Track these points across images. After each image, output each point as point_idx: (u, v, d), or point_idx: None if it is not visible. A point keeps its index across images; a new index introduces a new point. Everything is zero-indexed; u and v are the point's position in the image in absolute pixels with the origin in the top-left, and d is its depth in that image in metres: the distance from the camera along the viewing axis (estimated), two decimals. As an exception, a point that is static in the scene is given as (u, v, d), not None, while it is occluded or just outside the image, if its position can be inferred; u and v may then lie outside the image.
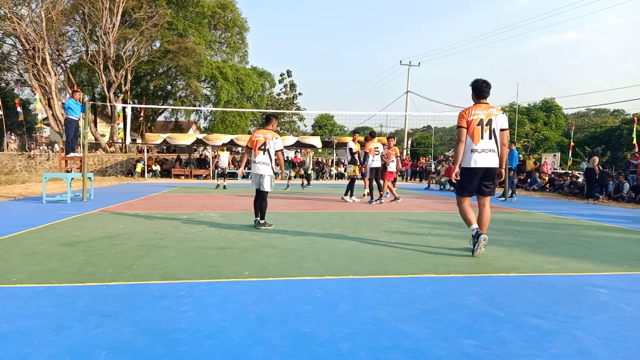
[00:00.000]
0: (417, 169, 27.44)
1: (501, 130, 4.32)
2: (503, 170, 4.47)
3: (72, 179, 10.18)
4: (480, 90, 4.36)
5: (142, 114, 32.31)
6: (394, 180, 10.74)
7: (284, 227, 6.12)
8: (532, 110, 44.98)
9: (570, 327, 2.51)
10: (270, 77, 43.51)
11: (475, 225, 4.33)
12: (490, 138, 4.25)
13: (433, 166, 23.31)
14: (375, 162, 9.87)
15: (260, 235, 5.36)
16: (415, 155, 33.61)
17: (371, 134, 10.35)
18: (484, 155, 4.25)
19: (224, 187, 14.86)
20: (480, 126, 4.23)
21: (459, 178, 4.41)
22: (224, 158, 15.63)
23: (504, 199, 11.77)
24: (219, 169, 15.80)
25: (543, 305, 2.88)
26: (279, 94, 51.81)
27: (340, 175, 26.37)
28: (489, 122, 4.25)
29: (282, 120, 51.59)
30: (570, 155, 25.37)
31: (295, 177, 21.24)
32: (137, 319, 2.49)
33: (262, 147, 6.00)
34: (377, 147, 9.88)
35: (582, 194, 13.75)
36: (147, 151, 27.13)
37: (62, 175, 10.19)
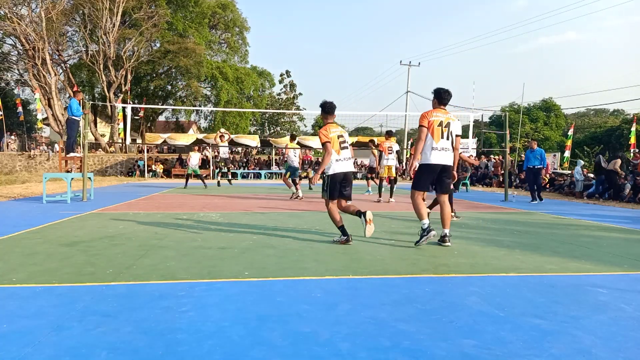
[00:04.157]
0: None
1: (456, 135, 4.82)
2: (455, 173, 5.07)
3: (72, 179, 10.18)
4: (441, 97, 4.85)
5: (141, 114, 32.31)
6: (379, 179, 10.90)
7: (284, 227, 6.12)
8: (532, 110, 44.99)
9: (570, 327, 2.51)
10: (270, 77, 43.52)
11: (427, 221, 4.70)
12: (447, 139, 4.71)
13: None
14: (390, 160, 10.33)
15: (260, 235, 5.36)
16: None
17: (388, 133, 10.86)
18: (443, 153, 4.69)
19: (220, 184, 14.85)
20: (440, 127, 4.67)
21: (415, 173, 4.84)
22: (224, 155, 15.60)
23: (536, 201, 11.55)
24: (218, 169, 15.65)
25: (543, 305, 2.88)
26: (279, 94, 51.85)
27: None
28: (448, 125, 4.73)
29: (282, 120, 51.62)
30: (568, 155, 25.36)
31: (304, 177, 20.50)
32: (137, 319, 2.49)
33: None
34: (391, 146, 10.32)
35: (583, 195, 13.74)
36: (147, 151, 27.15)
37: (62, 175, 10.19)
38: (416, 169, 4.78)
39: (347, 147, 5.00)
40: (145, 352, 2.07)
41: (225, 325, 2.43)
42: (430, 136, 4.64)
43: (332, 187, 4.83)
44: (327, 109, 5.12)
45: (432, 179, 4.77)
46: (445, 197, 4.84)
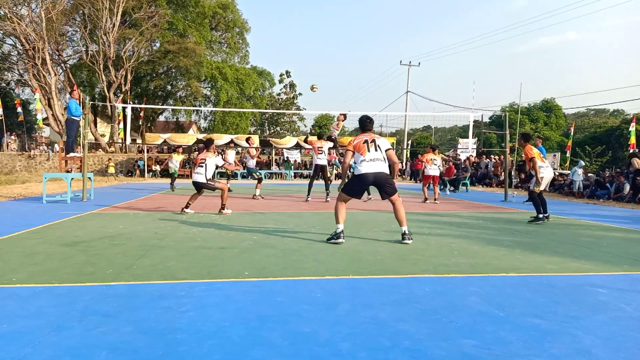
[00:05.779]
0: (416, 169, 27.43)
1: (386, 150, 5.08)
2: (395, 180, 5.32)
3: (72, 179, 10.17)
4: (364, 125, 5.29)
5: (141, 114, 32.30)
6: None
7: (284, 227, 6.12)
8: (532, 110, 44.95)
9: (570, 327, 2.51)
10: (270, 77, 43.49)
11: (341, 226, 4.97)
12: (376, 150, 5.03)
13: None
14: (320, 160, 10.59)
15: (260, 235, 5.36)
16: (415, 155, 33.66)
17: (318, 136, 11.27)
18: (372, 163, 4.98)
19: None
20: (365, 144, 5.04)
21: (345, 187, 5.17)
22: (230, 157, 15.15)
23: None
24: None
25: (543, 305, 2.88)
26: (279, 94, 51.82)
27: (339, 176, 26.46)
28: (373, 141, 5.09)
29: (282, 120, 51.62)
30: (569, 155, 25.34)
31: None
32: (137, 319, 2.49)
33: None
34: (321, 147, 10.63)
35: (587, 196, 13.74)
36: (147, 151, 27.14)
37: (62, 175, 10.19)
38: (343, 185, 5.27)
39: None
40: (145, 352, 2.07)
41: (225, 325, 2.43)
42: (358, 153, 5.04)
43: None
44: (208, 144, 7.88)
45: (363, 188, 5.17)
46: (393, 199, 5.07)
